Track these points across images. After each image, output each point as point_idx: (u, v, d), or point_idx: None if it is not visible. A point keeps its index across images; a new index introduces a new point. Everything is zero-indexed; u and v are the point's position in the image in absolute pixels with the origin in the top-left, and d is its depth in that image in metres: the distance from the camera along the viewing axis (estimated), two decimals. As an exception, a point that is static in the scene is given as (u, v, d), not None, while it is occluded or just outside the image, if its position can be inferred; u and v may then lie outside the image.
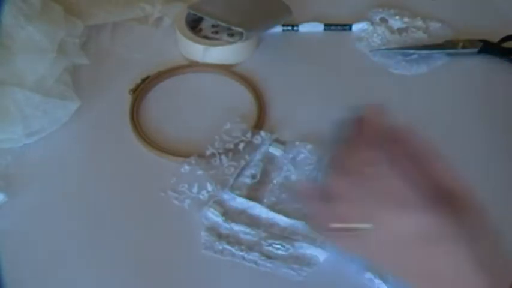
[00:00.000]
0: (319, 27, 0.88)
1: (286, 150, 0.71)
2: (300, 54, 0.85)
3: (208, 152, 0.70)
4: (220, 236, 0.63)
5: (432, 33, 0.88)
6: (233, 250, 0.62)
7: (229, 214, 0.65)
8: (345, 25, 0.88)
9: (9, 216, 0.64)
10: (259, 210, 0.66)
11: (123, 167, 0.70)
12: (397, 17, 0.89)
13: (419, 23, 0.89)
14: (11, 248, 0.61)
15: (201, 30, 0.84)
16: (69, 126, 0.73)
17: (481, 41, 0.84)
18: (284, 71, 0.82)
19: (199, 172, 0.68)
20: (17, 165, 0.69)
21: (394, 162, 0.44)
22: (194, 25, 0.84)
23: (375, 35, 0.87)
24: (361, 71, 0.83)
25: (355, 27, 0.88)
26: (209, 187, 0.67)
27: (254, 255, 0.62)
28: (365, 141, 0.45)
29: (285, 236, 0.64)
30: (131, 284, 0.60)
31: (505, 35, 0.85)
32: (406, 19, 0.89)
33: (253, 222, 0.65)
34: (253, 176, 0.69)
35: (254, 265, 0.62)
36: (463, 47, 0.84)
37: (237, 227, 0.64)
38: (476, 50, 0.84)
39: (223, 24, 0.82)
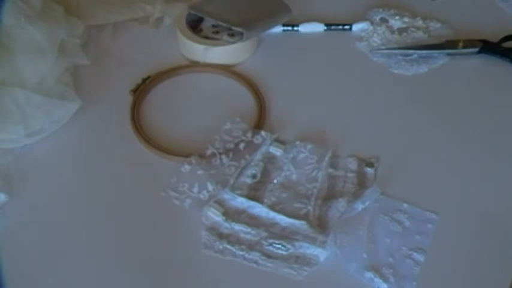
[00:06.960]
0: (319, 27, 0.88)
1: (287, 150, 0.71)
2: (300, 54, 0.85)
3: (208, 152, 0.70)
4: (220, 236, 0.63)
5: (432, 33, 0.88)
6: (233, 250, 0.62)
7: (229, 214, 0.65)
8: (345, 25, 0.88)
9: (10, 216, 0.64)
10: (260, 210, 0.66)
11: (124, 167, 0.70)
12: (397, 17, 0.89)
13: (419, 23, 0.89)
14: (11, 248, 0.62)
15: (201, 30, 0.84)
16: (69, 127, 0.73)
17: (481, 41, 0.84)
18: (284, 71, 0.82)
19: (200, 172, 0.68)
20: (18, 166, 0.69)
21: None
22: (194, 25, 0.85)
23: (375, 35, 0.87)
24: (361, 71, 0.83)
25: (356, 27, 0.88)
26: (209, 187, 0.67)
27: (255, 255, 0.62)
28: None
29: (286, 235, 0.64)
30: (131, 283, 0.60)
31: (505, 35, 0.85)
32: (406, 19, 0.89)
33: (253, 221, 0.65)
34: (253, 176, 0.69)
35: (254, 265, 0.62)
36: (463, 47, 0.84)
37: (237, 227, 0.64)
38: (476, 50, 0.84)
39: (224, 24, 0.82)
